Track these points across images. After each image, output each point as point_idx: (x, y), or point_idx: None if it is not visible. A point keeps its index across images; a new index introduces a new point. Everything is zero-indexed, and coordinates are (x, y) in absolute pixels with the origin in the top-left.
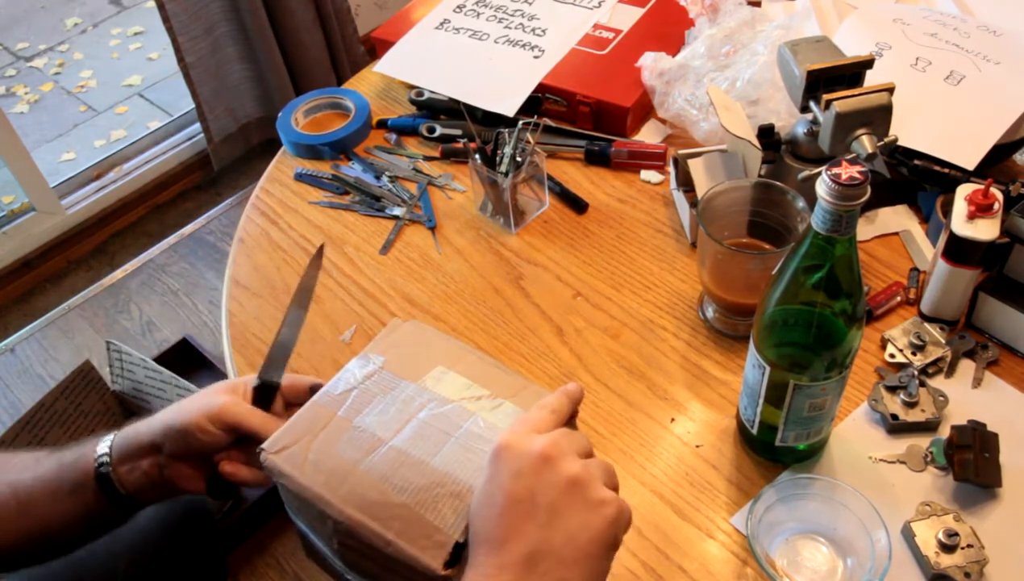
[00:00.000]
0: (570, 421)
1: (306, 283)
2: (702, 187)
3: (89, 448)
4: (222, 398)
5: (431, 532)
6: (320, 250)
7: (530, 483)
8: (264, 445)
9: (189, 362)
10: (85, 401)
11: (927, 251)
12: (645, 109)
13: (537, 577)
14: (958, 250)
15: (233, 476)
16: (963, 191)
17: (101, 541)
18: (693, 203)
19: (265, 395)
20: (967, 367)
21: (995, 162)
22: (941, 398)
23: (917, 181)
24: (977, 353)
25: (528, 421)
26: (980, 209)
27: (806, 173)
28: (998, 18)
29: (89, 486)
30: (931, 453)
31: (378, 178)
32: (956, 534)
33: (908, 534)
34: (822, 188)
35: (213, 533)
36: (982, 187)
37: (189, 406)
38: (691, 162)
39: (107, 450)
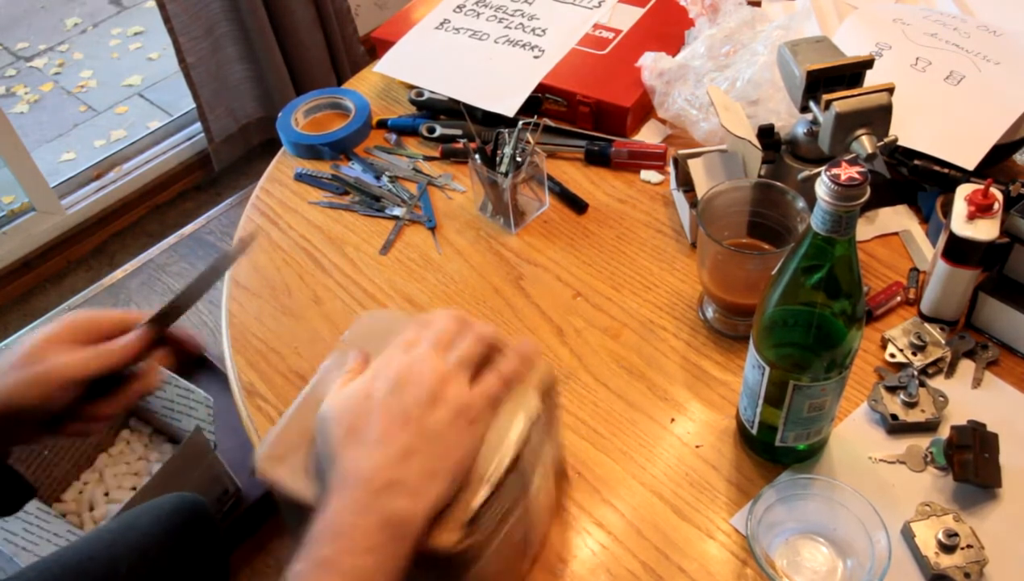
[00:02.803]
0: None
1: (227, 256)
2: (702, 187)
3: None
4: (61, 359)
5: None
6: (249, 238)
7: (404, 388)
8: (258, 452)
9: (189, 362)
10: None
11: (927, 251)
12: (645, 109)
13: (406, 471)
14: (958, 250)
15: (77, 435)
16: (963, 191)
17: (102, 543)
18: (693, 203)
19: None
20: (967, 367)
21: (995, 162)
22: (941, 398)
23: (917, 181)
24: (977, 353)
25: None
26: (980, 209)
27: (806, 173)
28: (998, 18)
29: None
30: (931, 453)
31: (378, 178)
32: (956, 534)
33: (908, 534)
34: (822, 188)
35: (215, 534)
36: (982, 187)
37: (24, 380)
38: (691, 162)
39: None
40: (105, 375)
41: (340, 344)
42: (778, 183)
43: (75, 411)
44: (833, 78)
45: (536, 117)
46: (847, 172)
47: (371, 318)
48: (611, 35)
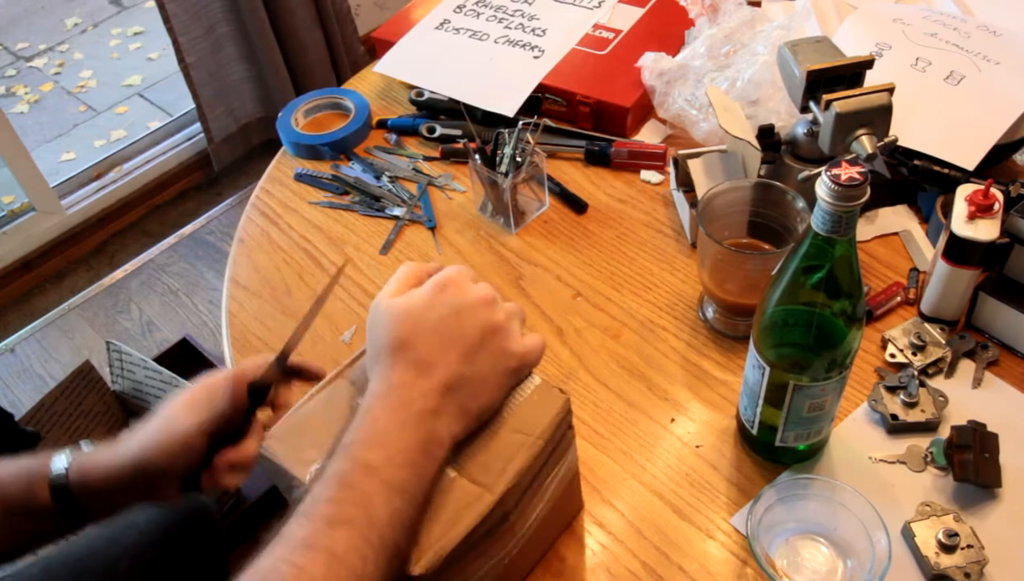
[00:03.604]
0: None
1: (323, 296)
2: (702, 187)
3: (41, 463)
4: (203, 416)
5: None
6: (342, 268)
7: (463, 320)
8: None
9: (189, 362)
10: (85, 401)
11: (927, 251)
12: (645, 109)
13: (448, 402)
14: (958, 250)
15: (215, 486)
16: (963, 191)
17: (102, 541)
18: (693, 203)
19: (254, 397)
20: (967, 367)
21: (995, 162)
22: (941, 398)
23: (917, 181)
24: (977, 353)
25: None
26: (980, 209)
27: (806, 173)
28: (998, 18)
29: (36, 502)
30: (931, 453)
31: (378, 178)
32: (956, 534)
33: (908, 534)
34: (822, 188)
35: (215, 534)
36: (982, 187)
37: (164, 444)
38: (691, 162)
39: (63, 471)
40: (223, 429)
41: (341, 345)
42: (778, 183)
43: (207, 465)
44: (833, 78)
45: (536, 117)
46: (847, 172)
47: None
48: (611, 35)
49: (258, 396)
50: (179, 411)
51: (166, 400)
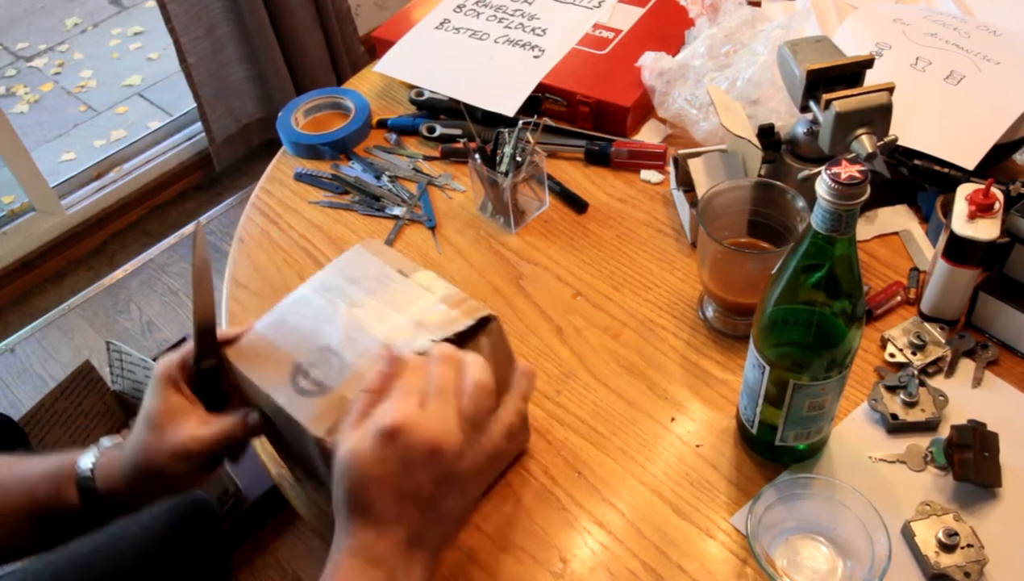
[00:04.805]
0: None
1: (201, 266)
2: (702, 187)
3: (68, 462)
4: (185, 433)
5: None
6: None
7: (414, 474)
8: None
9: None
10: (85, 401)
11: (927, 251)
12: (645, 109)
13: (417, 551)
14: (958, 250)
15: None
16: (963, 191)
17: (106, 540)
18: (693, 203)
19: (209, 379)
20: (967, 367)
21: (995, 162)
22: (941, 398)
23: (917, 181)
24: (977, 353)
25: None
26: (980, 209)
27: (806, 173)
28: (998, 18)
29: (65, 497)
30: (931, 453)
31: (378, 178)
32: (956, 534)
33: (908, 534)
34: (822, 188)
35: (218, 532)
36: (982, 187)
37: (154, 446)
38: (691, 162)
39: (89, 470)
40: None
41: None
42: (778, 183)
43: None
44: (833, 78)
45: (536, 117)
46: (847, 171)
47: (356, 257)
48: (611, 35)
49: (213, 378)
50: (167, 430)
51: (147, 413)
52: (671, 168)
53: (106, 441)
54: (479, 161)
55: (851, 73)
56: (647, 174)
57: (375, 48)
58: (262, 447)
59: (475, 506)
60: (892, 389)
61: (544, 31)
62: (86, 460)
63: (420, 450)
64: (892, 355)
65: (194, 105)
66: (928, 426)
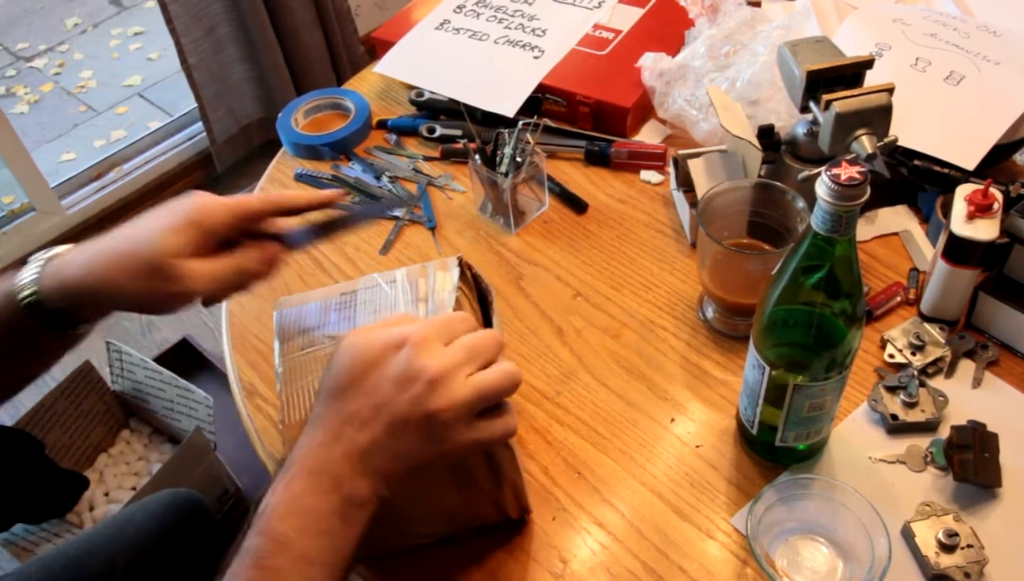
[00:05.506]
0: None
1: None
2: (702, 187)
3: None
4: (185, 251)
5: None
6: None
7: (401, 391)
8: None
9: (189, 362)
10: (85, 401)
11: (927, 251)
12: (645, 109)
13: (365, 467)
14: (958, 250)
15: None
16: (963, 191)
17: (100, 539)
18: (693, 203)
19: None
20: (967, 367)
21: (995, 162)
22: (941, 398)
23: (917, 181)
24: (977, 353)
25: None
26: (980, 209)
27: (806, 173)
28: (998, 18)
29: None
30: (931, 453)
31: (378, 178)
32: (956, 534)
33: (908, 534)
34: (822, 188)
35: (212, 532)
36: (982, 187)
37: (125, 265)
38: (691, 162)
39: (32, 286)
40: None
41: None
42: (778, 183)
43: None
44: (833, 78)
45: (536, 117)
46: (847, 172)
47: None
48: (611, 35)
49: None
50: (156, 233)
51: (142, 217)
52: (671, 169)
53: (55, 250)
54: (479, 162)
55: (851, 74)
56: (647, 175)
57: (375, 48)
58: (262, 447)
59: (429, 476)
60: (892, 390)
61: (544, 32)
62: (26, 274)
63: (417, 370)
64: (892, 355)
65: (194, 105)
66: (928, 427)
